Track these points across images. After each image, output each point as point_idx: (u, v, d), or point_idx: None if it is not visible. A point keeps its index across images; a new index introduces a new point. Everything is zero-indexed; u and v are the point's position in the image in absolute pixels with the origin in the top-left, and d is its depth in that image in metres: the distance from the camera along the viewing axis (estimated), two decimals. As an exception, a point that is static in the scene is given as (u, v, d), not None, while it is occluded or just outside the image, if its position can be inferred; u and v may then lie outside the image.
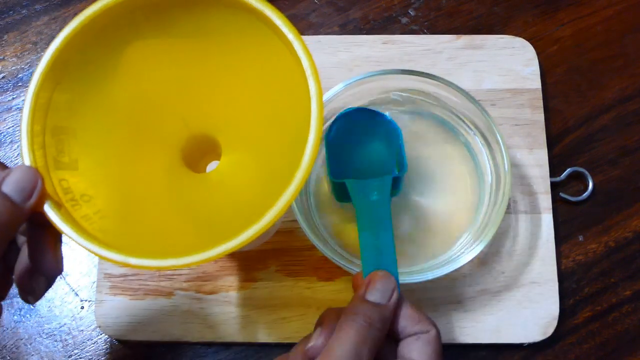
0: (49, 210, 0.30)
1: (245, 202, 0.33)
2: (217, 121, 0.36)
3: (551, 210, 0.46)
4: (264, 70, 0.34)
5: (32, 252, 0.31)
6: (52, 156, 0.31)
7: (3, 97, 0.52)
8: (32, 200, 0.30)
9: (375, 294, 0.34)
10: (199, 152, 0.37)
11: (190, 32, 0.34)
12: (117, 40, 0.33)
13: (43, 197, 0.30)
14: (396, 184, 0.42)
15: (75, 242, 0.29)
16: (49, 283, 0.33)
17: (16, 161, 0.50)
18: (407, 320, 0.34)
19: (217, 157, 0.37)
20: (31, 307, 0.46)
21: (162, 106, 0.36)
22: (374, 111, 0.44)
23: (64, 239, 0.34)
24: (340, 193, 0.43)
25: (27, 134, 0.31)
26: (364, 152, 0.44)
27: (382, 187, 0.40)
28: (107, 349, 0.45)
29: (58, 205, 0.30)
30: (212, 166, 0.40)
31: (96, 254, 0.29)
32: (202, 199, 0.35)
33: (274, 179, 0.32)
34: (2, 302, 0.45)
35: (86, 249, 0.29)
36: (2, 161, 0.32)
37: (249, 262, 0.45)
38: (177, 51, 0.35)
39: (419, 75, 0.44)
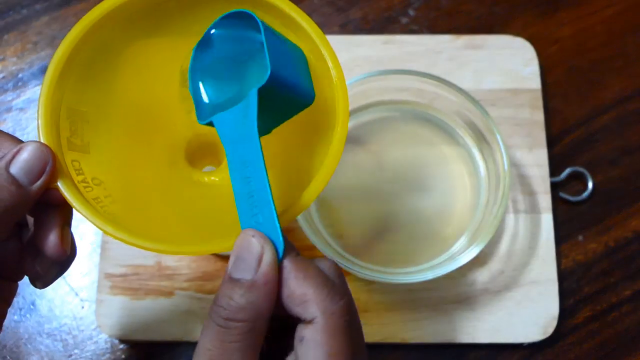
0: (62, 187, 0.29)
1: None
2: None
3: (551, 210, 0.46)
4: None
5: (35, 232, 0.30)
6: (65, 136, 0.31)
7: (3, 97, 0.52)
8: (41, 182, 0.29)
9: (239, 267, 0.25)
10: (203, 152, 0.37)
11: (201, 31, 0.34)
12: (131, 34, 0.33)
13: (54, 175, 0.29)
14: (269, 102, 0.29)
15: (88, 219, 0.29)
16: (61, 269, 0.33)
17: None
18: (293, 300, 0.26)
19: (222, 159, 0.37)
20: (31, 306, 0.46)
21: (170, 102, 0.36)
22: (239, 15, 0.31)
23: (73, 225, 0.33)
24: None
25: (44, 112, 0.30)
26: (230, 74, 0.32)
27: (245, 113, 0.29)
28: (107, 348, 0.45)
29: (71, 183, 0.29)
30: (210, 168, 0.41)
31: (108, 234, 0.29)
32: (202, 198, 0.35)
33: (279, 182, 0.32)
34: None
35: (99, 227, 0.29)
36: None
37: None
38: (188, 49, 0.35)
39: (419, 75, 0.44)
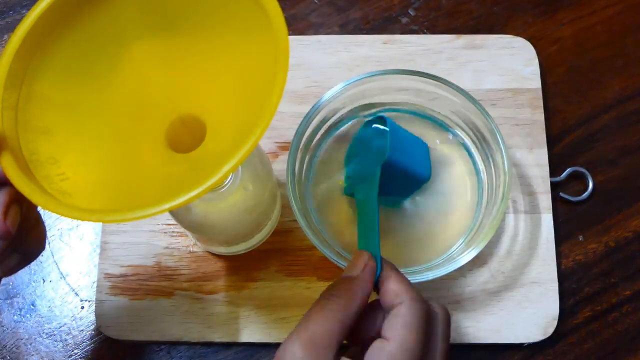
0: (4, 164, 0.29)
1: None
2: (203, 101, 0.36)
3: (551, 210, 0.46)
4: (247, 48, 0.34)
5: None
6: (23, 118, 0.31)
7: (3, 97, 0.52)
8: None
9: (348, 270, 0.36)
10: (184, 134, 0.37)
11: (177, 14, 0.34)
12: (99, 18, 0.33)
13: None
14: (404, 187, 0.45)
15: (17, 187, 0.29)
16: (24, 258, 0.33)
17: None
18: (388, 295, 0.34)
19: (202, 138, 0.37)
20: (31, 307, 0.46)
21: (149, 85, 0.35)
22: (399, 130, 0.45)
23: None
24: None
25: None
26: (364, 159, 0.46)
27: (372, 185, 0.41)
28: (107, 349, 0.45)
29: (14, 162, 0.30)
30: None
31: (37, 203, 0.29)
32: (180, 177, 0.35)
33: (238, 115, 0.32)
34: (3, 302, 0.44)
35: (28, 195, 0.29)
36: None
37: (249, 262, 0.45)
38: (165, 32, 0.35)
39: (419, 75, 0.44)
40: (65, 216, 0.29)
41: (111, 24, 0.34)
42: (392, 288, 0.34)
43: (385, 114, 0.47)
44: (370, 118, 0.46)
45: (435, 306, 0.35)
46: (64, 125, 0.33)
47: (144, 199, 0.32)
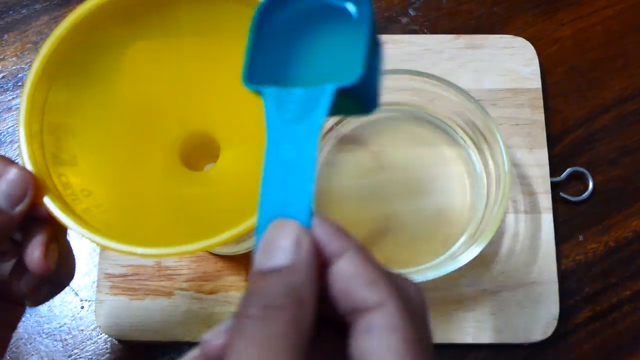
0: (48, 203, 0.30)
1: (242, 199, 0.33)
2: (214, 119, 0.36)
3: (551, 210, 0.46)
4: None
5: (22, 248, 0.31)
6: (50, 152, 0.32)
7: (3, 97, 0.52)
8: (22, 206, 0.29)
9: (271, 256, 0.22)
10: (198, 152, 0.37)
11: (185, 30, 0.34)
12: (113, 39, 0.34)
13: (37, 196, 0.30)
14: (354, 100, 0.25)
15: (76, 231, 0.29)
16: (54, 288, 0.33)
17: (16, 160, 0.50)
18: (352, 281, 0.21)
19: (216, 157, 0.37)
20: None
21: (159, 105, 0.36)
22: None
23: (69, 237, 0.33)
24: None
25: (25, 133, 0.31)
26: (305, 48, 0.26)
27: (310, 106, 0.24)
28: (107, 349, 0.45)
29: (57, 199, 0.30)
30: (210, 166, 0.41)
31: (98, 244, 0.29)
32: (199, 197, 0.35)
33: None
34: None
35: (88, 238, 0.29)
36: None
37: (249, 262, 0.45)
38: (173, 50, 0.35)
39: (419, 75, 0.44)
40: (128, 254, 0.29)
41: (126, 48, 0.34)
42: (363, 273, 0.21)
43: (386, 114, 0.47)
44: None
45: (409, 284, 0.24)
46: (86, 154, 0.33)
47: (166, 226, 0.33)
